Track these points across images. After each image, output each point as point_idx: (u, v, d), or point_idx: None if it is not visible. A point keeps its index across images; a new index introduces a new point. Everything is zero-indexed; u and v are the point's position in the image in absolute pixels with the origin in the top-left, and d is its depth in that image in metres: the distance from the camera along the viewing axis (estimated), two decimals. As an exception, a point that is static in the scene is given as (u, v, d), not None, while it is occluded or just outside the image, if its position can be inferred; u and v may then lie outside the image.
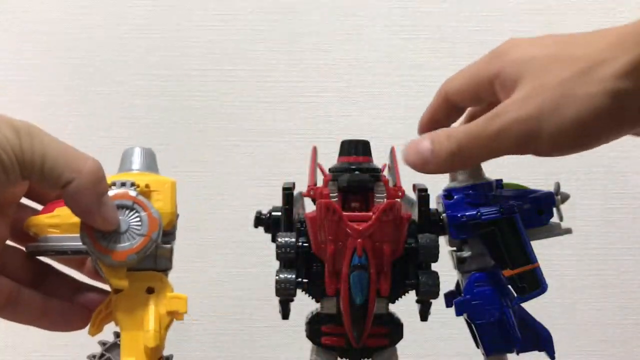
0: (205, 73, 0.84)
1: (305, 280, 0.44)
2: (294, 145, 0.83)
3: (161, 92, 0.84)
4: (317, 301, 0.46)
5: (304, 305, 0.46)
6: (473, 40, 0.85)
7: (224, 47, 0.85)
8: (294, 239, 0.44)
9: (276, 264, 0.45)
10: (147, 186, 0.40)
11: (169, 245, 0.42)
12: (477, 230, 0.45)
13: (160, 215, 0.39)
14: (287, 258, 0.44)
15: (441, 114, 0.45)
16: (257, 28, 0.85)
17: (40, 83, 0.83)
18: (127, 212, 0.39)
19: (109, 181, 0.39)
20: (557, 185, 0.47)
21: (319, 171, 0.47)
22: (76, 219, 0.39)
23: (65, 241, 0.40)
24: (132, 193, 0.39)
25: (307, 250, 0.44)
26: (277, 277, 0.44)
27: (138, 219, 0.39)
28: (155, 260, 0.41)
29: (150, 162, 0.42)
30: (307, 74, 0.85)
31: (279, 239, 0.44)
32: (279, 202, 0.46)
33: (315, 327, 0.46)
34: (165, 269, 0.42)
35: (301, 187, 0.47)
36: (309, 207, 0.47)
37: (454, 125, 0.46)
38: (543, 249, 0.49)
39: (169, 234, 0.41)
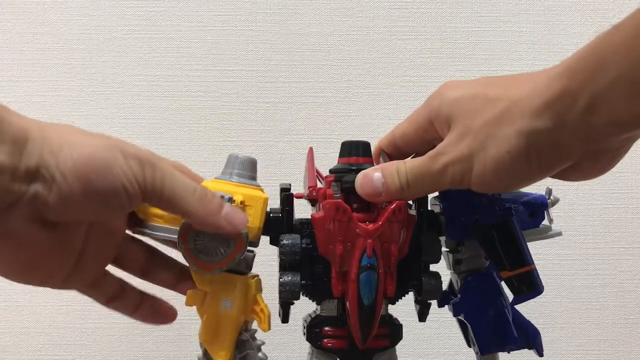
0: (205, 73, 0.84)
1: (309, 283, 0.44)
2: (294, 146, 0.83)
3: (162, 93, 0.84)
4: (317, 303, 0.46)
5: (300, 303, 0.46)
6: (473, 41, 0.85)
7: (224, 47, 0.85)
8: (298, 241, 0.44)
9: (271, 264, 0.45)
10: (242, 202, 0.43)
11: (251, 254, 0.46)
12: (474, 232, 0.45)
13: (248, 231, 0.43)
14: (292, 260, 0.44)
15: (393, 152, 0.47)
16: (257, 28, 0.85)
17: (41, 84, 0.83)
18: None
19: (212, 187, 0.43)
20: (549, 190, 0.48)
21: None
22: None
23: (165, 232, 0.43)
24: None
25: (310, 252, 0.44)
26: (281, 280, 0.44)
27: (227, 240, 0.42)
28: (237, 263, 0.44)
29: (252, 172, 0.45)
30: (307, 74, 0.85)
31: (284, 241, 0.44)
32: (278, 202, 0.46)
33: (315, 330, 0.46)
34: (244, 272, 0.45)
35: (296, 188, 0.47)
36: (298, 208, 0.47)
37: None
38: (542, 249, 0.49)
39: (253, 244, 0.45)
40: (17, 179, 0.34)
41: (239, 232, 0.42)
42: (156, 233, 0.44)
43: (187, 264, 0.44)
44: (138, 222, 0.44)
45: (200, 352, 0.46)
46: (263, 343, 0.45)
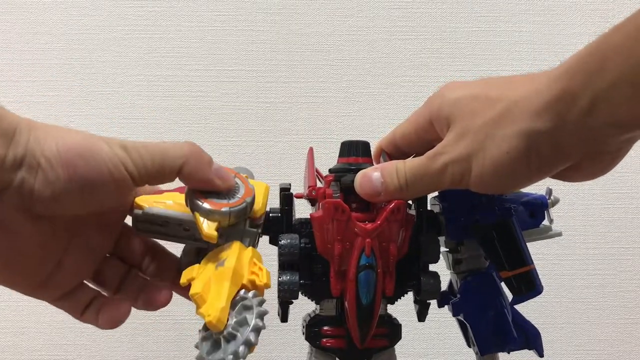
0: (205, 73, 0.84)
1: (308, 282, 0.44)
2: (294, 146, 0.83)
3: (162, 93, 0.84)
4: (316, 303, 0.46)
5: (300, 303, 0.46)
6: (473, 41, 0.85)
7: (224, 47, 0.85)
8: (297, 241, 0.44)
9: (271, 264, 0.45)
10: (246, 177, 0.45)
11: (255, 229, 0.45)
12: (474, 232, 0.45)
13: (254, 203, 0.43)
14: (290, 260, 0.44)
15: (393, 152, 0.47)
16: (257, 28, 0.85)
17: (42, 83, 0.83)
18: None
19: None
20: (549, 190, 0.48)
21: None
22: (180, 201, 0.43)
23: (167, 213, 0.43)
24: (234, 170, 0.44)
25: (309, 252, 0.44)
26: (279, 279, 0.44)
27: (236, 187, 0.43)
28: (241, 238, 0.43)
29: (249, 175, 0.46)
30: (307, 74, 0.85)
31: (283, 241, 0.44)
32: (278, 202, 0.46)
33: (315, 330, 0.46)
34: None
35: (296, 188, 0.47)
36: (298, 208, 0.47)
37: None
38: (543, 249, 0.49)
39: (257, 225, 0.45)
40: (5, 169, 0.35)
41: (228, 188, 0.42)
42: (158, 213, 0.43)
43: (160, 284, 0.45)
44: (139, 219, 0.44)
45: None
46: (266, 312, 0.42)
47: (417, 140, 0.45)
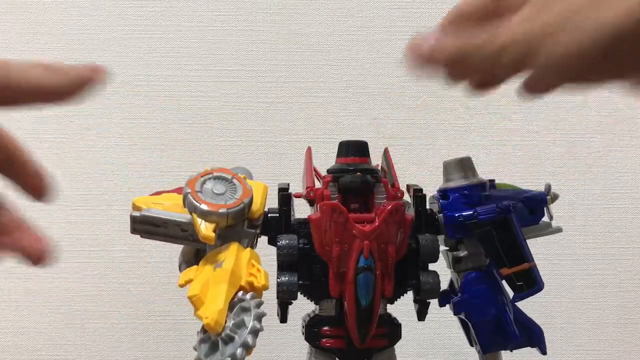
0: (205, 73, 0.84)
1: (307, 283, 0.44)
2: (294, 146, 0.83)
3: (161, 93, 0.84)
4: (315, 303, 0.46)
5: (300, 303, 0.46)
6: (473, 41, 0.85)
7: (224, 47, 0.85)
8: (295, 242, 0.44)
9: (271, 264, 0.45)
10: (244, 177, 0.45)
11: (253, 230, 0.44)
12: (473, 230, 0.45)
13: (251, 204, 0.43)
14: (289, 260, 0.44)
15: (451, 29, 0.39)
16: (257, 28, 0.85)
17: (41, 83, 0.83)
18: (226, 182, 0.43)
19: None
20: (548, 186, 0.48)
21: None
22: (178, 202, 0.43)
23: (165, 215, 0.43)
24: (233, 172, 0.44)
25: (308, 252, 0.44)
26: (278, 280, 0.44)
27: (234, 188, 0.43)
28: (239, 239, 0.43)
29: (247, 175, 0.47)
30: (307, 74, 0.85)
31: (281, 241, 0.44)
32: (277, 202, 0.46)
33: (314, 330, 0.46)
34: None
35: (295, 187, 0.47)
36: (299, 207, 0.47)
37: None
38: (543, 249, 0.49)
39: (255, 226, 0.44)
40: None
41: (103, 73, 0.38)
42: (156, 214, 0.43)
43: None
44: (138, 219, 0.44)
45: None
46: (264, 314, 0.42)
47: (480, 15, 0.37)
